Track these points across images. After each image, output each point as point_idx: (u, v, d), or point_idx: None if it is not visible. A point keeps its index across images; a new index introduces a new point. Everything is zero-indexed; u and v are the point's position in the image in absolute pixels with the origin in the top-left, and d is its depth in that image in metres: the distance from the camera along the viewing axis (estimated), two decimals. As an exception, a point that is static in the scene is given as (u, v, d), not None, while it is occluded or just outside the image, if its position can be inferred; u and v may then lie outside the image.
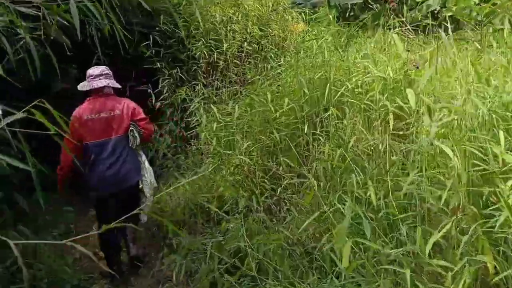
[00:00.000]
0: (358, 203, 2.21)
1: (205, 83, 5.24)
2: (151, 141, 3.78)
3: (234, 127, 3.58)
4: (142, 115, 3.45)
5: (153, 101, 4.94)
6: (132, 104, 3.44)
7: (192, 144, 4.66)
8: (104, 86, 3.34)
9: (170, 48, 5.68)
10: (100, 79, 3.35)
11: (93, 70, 3.39)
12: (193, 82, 5.26)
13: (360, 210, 2.05)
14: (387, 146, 2.45)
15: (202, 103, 4.49)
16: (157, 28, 5.48)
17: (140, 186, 3.50)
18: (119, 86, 3.49)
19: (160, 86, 5.18)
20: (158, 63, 5.27)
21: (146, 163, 3.53)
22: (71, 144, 3.09)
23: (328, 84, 3.18)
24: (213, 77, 5.30)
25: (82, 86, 3.40)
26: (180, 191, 3.73)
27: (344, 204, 2.11)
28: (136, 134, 3.35)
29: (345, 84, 3.13)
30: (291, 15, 6.00)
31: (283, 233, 2.57)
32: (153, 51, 5.32)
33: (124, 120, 3.33)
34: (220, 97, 4.90)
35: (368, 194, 2.10)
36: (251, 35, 5.47)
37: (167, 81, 5.21)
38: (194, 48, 5.38)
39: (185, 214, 3.55)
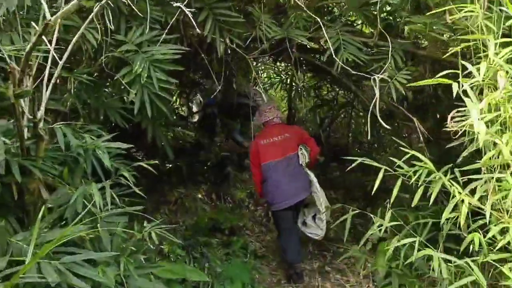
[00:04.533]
0: None
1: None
2: (316, 161, 4.26)
3: None
4: (308, 136, 4.16)
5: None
6: (299, 129, 4.40)
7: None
8: (274, 117, 4.10)
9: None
10: (268, 111, 4.11)
11: (264, 106, 4.21)
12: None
13: None
14: None
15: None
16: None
17: (318, 201, 3.87)
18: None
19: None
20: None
21: (316, 183, 3.93)
22: (253, 166, 4.00)
23: None
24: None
25: (256, 119, 4.37)
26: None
27: None
28: (305, 152, 3.97)
29: None
30: None
31: None
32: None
33: (292, 142, 3.98)
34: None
35: None
36: None
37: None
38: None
39: None
